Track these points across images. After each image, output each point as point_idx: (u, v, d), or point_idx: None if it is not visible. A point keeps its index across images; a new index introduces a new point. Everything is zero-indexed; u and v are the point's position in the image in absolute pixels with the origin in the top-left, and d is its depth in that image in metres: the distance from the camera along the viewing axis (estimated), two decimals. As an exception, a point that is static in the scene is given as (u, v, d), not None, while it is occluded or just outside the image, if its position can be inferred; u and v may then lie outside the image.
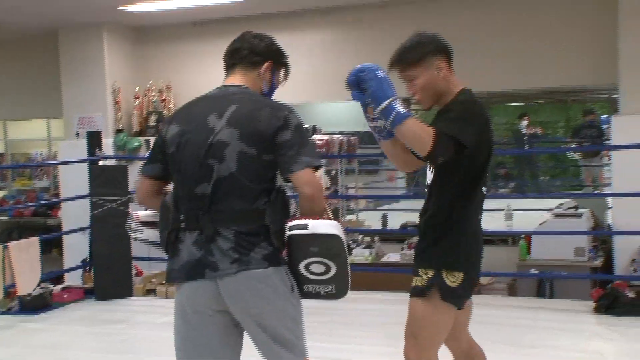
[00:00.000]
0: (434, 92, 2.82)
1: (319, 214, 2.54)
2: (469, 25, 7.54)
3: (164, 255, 2.72)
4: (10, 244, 5.87)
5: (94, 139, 7.08)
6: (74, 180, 7.84)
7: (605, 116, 13.65)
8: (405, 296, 6.15)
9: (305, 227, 2.49)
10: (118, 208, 6.44)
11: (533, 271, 6.54)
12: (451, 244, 2.77)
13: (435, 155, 2.62)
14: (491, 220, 6.65)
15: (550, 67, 7.40)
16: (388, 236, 7.76)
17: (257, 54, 2.73)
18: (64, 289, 6.69)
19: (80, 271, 7.17)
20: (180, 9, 7.99)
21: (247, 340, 2.65)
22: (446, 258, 2.76)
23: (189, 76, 8.55)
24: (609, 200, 7.84)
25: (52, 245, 8.25)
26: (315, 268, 2.57)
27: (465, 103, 2.76)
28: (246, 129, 2.52)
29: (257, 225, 2.52)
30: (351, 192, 8.74)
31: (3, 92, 10.16)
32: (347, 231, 7.80)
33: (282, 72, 2.84)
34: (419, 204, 9.80)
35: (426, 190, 2.96)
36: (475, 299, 3.07)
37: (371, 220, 9.09)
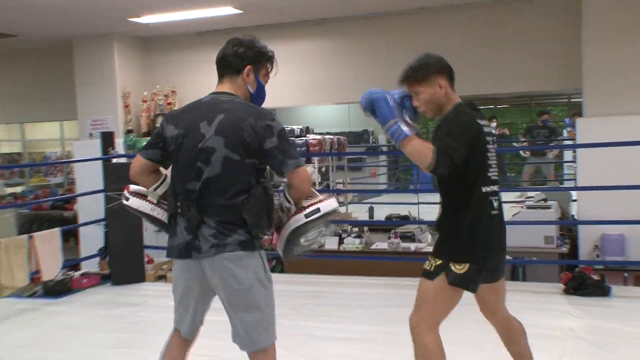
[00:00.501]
0: (435, 105, 2.99)
1: (307, 196, 2.79)
2: (445, 36, 7.59)
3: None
4: (35, 235, 5.86)
5: (107, 139, 7.03)
6: (87, 177, 7.82)
7: (567, 119, 13.70)
8: (392, 280, 6.25)
9: (317, 210, 2.76)
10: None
11: (507, 257, 6.56)
12: (457, 239, 2.90)
13: (437, 169, 2.76)
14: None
15: (519, 73, 7.48)
16: (375, 227, 7.77)
17: (237, 60, 2.83)
18: (82, 275, 6.67)
19: (96, 259, 7.15)
20: (184, 21, 7.97)
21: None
22: (453, 251, 2.90)
23: (192, 81, 8.54)
24: (573, 193, 7.91)
25: (69, 236, 8.21)
26: (312, 235, 2.84)
27: (454, 119, 2.89)
28: (231, 138, 2.68)
29: (236, 217, 2.71)
30: (340, 187, 8.75)
31: (22, 97, 10.15)
32: (338, 223, 7.83)
33: (267, 69, 2.92)
34: (400, 197, 9.83)
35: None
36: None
37: (358, 212, 9.12)
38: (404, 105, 2.98)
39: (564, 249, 6.62)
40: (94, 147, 7.43)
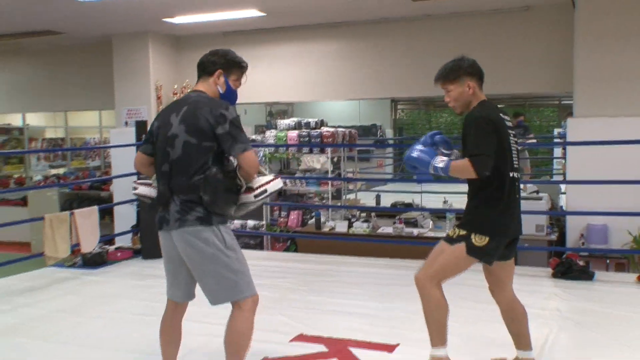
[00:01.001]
0: (463, 103, 3.11)
1: (255, 174, 2.91)
2: (447, 41, 7.59)
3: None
4: (76, 211, 5.91)
5: (140, 127, 7.05)
6: (122, 161, 7.84)
7: (563, 123, 13.53)
8: (396, 262, 6.22)
9: (265, 191, 2.92)
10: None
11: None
12: (481, 216, 3.01)
13: (482, 174, 2.87)
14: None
15: (515, 76, 7.43)
16: (381, 213, 7.75)
17: (210, 65, 3.01)
18: (117, 249, 6.71)
19: (128, 235, 7.18)
20: (212, 22, 8.00)
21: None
22: (476, 224, 3.00)
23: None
24: (562, 186, 7.85)
25: (105, 213, 8.24)
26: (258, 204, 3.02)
27: (477, 119, 2.96)
28: (190, 125, 2.85)
29: (195, 195, 2.83)
30: (350, 175, 8.71)
31: (66, 89, 10.23)
32: (348, 208, 7.81)
33: (238, 76, 3.07)
34: (405, 186, 9.72)
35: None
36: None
37: (366, 199, 9.08)
38: (435, 142, 3.13)
39: (553, 237, 6.58)
40: (129, 135, 7.44)
